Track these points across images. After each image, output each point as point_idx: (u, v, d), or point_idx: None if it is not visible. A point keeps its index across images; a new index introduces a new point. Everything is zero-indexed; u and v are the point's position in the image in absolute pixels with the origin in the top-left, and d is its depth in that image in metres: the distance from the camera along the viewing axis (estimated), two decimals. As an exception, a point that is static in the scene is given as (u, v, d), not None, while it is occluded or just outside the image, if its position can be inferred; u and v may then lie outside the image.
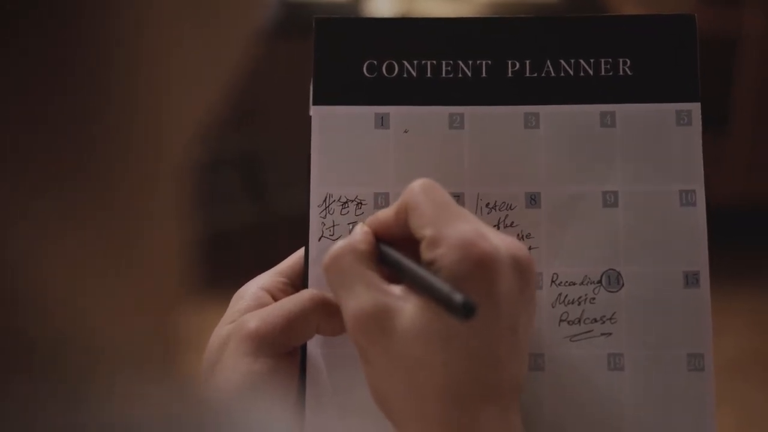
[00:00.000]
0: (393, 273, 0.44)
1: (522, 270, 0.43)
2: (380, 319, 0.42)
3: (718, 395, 0.49)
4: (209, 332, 0.49)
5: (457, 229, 0.42)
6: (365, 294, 0.43)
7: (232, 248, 2.53)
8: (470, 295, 0.40)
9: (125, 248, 0.21)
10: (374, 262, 0.45)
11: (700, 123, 0.52)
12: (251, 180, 2.50)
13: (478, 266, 0.41)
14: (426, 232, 0.43)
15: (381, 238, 0.46)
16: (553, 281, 0.51)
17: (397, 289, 0.43)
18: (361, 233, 0.46)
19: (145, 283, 0.22)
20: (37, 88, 0.19)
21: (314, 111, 0.52)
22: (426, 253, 0.43)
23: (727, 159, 2.50)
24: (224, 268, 2.52)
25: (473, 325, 0.40)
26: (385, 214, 0.46)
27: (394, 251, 0.45)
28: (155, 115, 0.21)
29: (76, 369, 0.18)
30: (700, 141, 0.52)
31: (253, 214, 2.45)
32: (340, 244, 0.45)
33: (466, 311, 0.39)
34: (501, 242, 0.43)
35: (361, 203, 0.51)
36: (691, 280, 0.50)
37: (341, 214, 0.51)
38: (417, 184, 0.45)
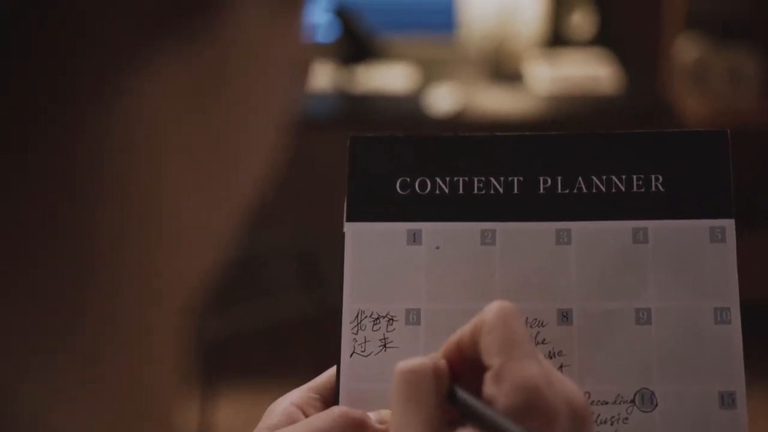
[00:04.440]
0: (458, 412, 0.42)
1: (578, 423, 0.41)
2: None
3: None
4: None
5: (524, 369, 0.41)
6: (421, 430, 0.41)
7: (285, 341, 2.54)
8: None
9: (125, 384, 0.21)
10: (443, 398, 0.43)
11: (735, 240, 0.51)
12: (307, 273, 2.51)
13: (537, 416, 0.40)
14: (493, 362, 0.42)
15: (452, 360, 0.44)
16: None
17: None
18: (441, 365, 0.44)
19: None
20: (29, 206, 0.19)
21: (347, 227, 0.53)
22: (489, 386, 0.41)
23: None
24: (277, 360, 2.51)
25: None
26: (460, 332, 0.45)
27: (465, 393, 0.43)
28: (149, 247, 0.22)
29: None
30: (735, 258, 0.51)
31: (308, 308, 2.46)
32: (425, 362, 0.43)
33: None
34: (563, 391, 0.41)
35: (392, 319, 0.52)
36: (727, 400, 0.49)
37: (373, 330, 0.52)
38: (495, 307, 0.43)
